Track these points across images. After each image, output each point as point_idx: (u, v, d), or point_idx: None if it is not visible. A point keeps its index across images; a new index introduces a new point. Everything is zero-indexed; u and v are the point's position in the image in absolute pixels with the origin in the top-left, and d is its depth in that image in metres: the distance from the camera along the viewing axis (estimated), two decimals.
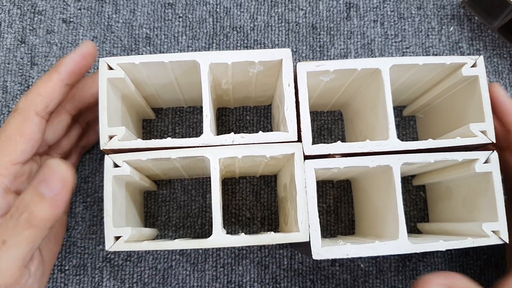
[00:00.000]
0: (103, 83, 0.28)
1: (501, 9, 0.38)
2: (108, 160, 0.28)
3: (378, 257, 0.38)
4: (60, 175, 0.25)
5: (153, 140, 0.28)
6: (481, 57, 0.30)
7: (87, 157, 0.38)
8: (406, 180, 0.39)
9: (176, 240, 0.27)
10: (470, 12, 0.41)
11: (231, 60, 0.29)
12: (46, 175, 0.25)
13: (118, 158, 0.28)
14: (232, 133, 0.28)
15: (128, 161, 0.28)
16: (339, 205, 0.39)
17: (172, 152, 0.28)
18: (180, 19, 0.41)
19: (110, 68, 0.29)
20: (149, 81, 0.32)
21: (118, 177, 0.29)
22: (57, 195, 0.25)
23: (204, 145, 0.28)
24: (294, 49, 0.40)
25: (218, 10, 0.41)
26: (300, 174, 0.28)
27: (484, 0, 0.40)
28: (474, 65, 0.29)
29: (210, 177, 0.28)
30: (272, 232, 0.27)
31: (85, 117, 0.36)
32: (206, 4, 0.41)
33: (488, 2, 0.39)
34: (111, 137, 0.28)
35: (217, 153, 0.28)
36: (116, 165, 0.28)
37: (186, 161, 0.30)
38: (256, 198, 0.39)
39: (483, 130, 0.29)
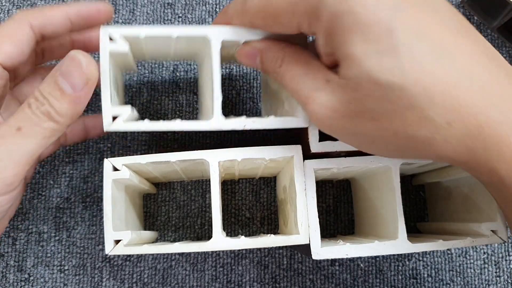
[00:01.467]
0: (104, 55, 0.26)
1: (500, 9, 0.38)
2: (107, 163, 0.28)
3: (377, 256, 0.38)
4: (84, 70, 0.23)
5: (161, 121, 0.26)
6: None
7: (86, 157, 0.38)
8: (406, 180, 0.39)
9: (176, 243, 0.27)
10: (469, 11, 0.41)
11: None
12: (68, 67, 0.23)
13: (117, 161, 0.28)
14: (244, 116, 0.27)
15: (127, 164, 0.28)
16: (339, 205, 0.39)
17: (171, 155, 0.28)
18: (180, 19, 0.41)
19: (116, 169, 0.28)
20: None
21: (118, 181, 0.29)
22: (79, 93, 0.24)
23: (215, 129, 0.27)
24: None
25: (217, 10, 0.41)
26: (300, 177, 0.28)
27: (484, 0, 0.40)
28: None
29: (209, 179, 0.28)
30: (272, 235, 0.27)
31: (43, 46, 0.32)
32: (205, 4, 0.41)
33: (487, 2, 0.39)
34: (114, 118, 0.26)
35: (217, 156, 0.28)
36: (115, 169, 0.28)
37: (186, 164, 0.30)
38: (255, 198, 0.39)
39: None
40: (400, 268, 0.38)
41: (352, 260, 0.38)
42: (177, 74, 0.39)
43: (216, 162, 0.28)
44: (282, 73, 0.26)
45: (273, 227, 0.38)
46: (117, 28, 0.26)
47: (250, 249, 0.38)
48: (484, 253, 0.38)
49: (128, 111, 0.26)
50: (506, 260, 0.38)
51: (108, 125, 0.26)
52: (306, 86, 0.24)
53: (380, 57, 0.21)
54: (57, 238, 0.37)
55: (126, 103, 0.37)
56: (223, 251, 0.38)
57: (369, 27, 0.21)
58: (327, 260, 0.38)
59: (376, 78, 0.21)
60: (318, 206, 0.38)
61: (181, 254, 0.38)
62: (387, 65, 0.21)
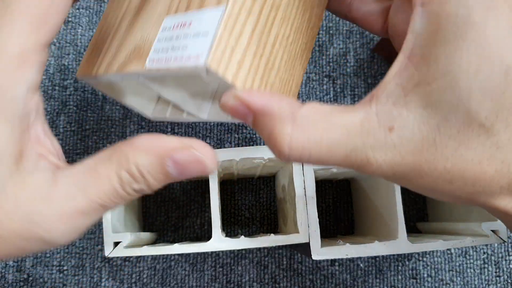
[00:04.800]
0: None
1: None
2: None
3: (377, 256, 0.38)
4: (207, 171, 0.19)
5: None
6: None
7: (85, 157, 0.38)
8: None
9: (176, 244, 0.27)
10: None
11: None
12: (188, 164, 0.19)
13: None
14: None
15: None
16: (339, 205, 0.39)
17: None
18: None
19: None
20: None
21: None
22: (181, 176, 0.19)
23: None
24: None
25: None
26: (299, 176, 0.28)
27: None
28: None
29: (208, 179, 0.28)
30: (272, 234, 0.27)
31: None
32: None
33: None
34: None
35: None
36: None
37: None
38: (255, 198, 0.39)
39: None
40: (400, 268, 0.38)
41: (352, 260, 0.38)
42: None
43: None
44: (297, 150, 0.18)
45: (273, 227, 0.38)
46: None
47: (249, 249, 0.38)
48: (484, 253, 0.38)
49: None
50: (506, 260, 0.38)
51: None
52: (350, 158, 0.17)
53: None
54: None
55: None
56: (222, 251, 0.38)
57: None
58: (327, 260, 0.38)
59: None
60: (318, 206, 0.38)
61: (181, 255, 0.38)
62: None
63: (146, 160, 0.19)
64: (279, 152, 0.18)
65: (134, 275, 0.37)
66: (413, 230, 0.38)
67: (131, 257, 0.37)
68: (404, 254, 0.38)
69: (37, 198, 0.18)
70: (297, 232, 0.27)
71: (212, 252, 0.38)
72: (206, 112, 0.25)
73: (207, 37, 0.18)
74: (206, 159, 0.19)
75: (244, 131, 0.39)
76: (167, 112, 0.26)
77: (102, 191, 0.19)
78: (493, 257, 0.38)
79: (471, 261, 0.38)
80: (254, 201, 0.39)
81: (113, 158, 0.19)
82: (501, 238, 0.28)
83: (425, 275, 0.38)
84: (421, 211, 0.39)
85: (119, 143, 0.19)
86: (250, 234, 0.38)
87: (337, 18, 0.41)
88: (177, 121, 0.28)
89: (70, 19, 0.40)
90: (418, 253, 0.38)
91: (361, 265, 0.38)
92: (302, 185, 0.28)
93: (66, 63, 0.40)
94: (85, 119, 0.39)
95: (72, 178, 0.19)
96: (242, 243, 0.27)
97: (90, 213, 0.19)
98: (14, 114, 0.18)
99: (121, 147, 0.19)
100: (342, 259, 0.38)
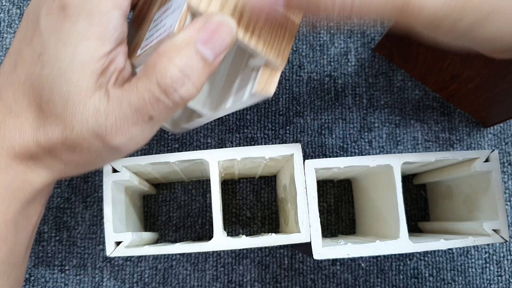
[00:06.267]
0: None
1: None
2: (107, 165, 0.28)
3: (379, 256, 0.38)
4: (234, 35, 0.20)
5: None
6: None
7: None
8: (407, 179, 0.39)
9: (177, 244, 0.27)
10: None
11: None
12: (216, 34, 0.19)
13: (117, 163, 0.28)
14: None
15: (127, 165, 0.28)
16: (340, 205, 0.39)
17: (171, 156, 0.28)
18: None
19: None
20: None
21: (117, 182, 0.29)
22: (217, 60, 0.20)
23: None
24: (294, 48, 0.40)
25: None
26: (300, 175, 0.28)
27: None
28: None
29: (209, 179, 0.28)
30: (273, 234, 0.27)
31: None
32: None
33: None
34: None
35: (216, 155, 0.28)
36: (115, 170, 0.28)
37: (185, 164, 0.30)
38: (256, 197, 0.39)
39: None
40: (401, 267, 0.38)
41: (353, 259, 0.38)
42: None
43: (215, 162, 0.28)
44: None
45: (274, 227, 0.38)
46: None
47: (251, 248, 0.38)
48: (486, 252, 0.38)
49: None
50: (507, 260, 0.38)
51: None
52: None
53: None
54: (57, 238, 0.37)
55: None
56: (224, 251, 0.38)
57: None
58: (328, 259, 0.38)
59: None
60: (319, 205, 0.38)
61: (182, 254, 0.38)
62: None
63: (181, 58, 0.19)
64: None
65: (135, 275, 0.37)
66: (414, 229, 0.38)
67: (132, 256, 0.37)
68: (406, 253, 0.38)
69: (100, 111, 0.20)
70: (299, 231, 0.27)
71: (213, 252, 0.38)
72: (230, 101, 0.25)
73: (180, 6, 0.20)
74: (227, 19, 0.20)
75: (245, 130, 0.39)
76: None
77: (151, 105, 0.20)
78: (494, 257, 0.38)
79: (473, 260, 0.38)
80: (255, 200, 0.39)
81: (149, 72, 0.20)
82: (503, 238, 0.28)
83: (427, 275, 0.38)
84: (422, 211, 0.39)
85: (149, 59, 0.20)
86: (251, 233, 0.38)
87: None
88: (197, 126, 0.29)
89: None
90: (419, 253, 0.38)
91: (363, 264, 0.38)
92: (304, 185, 0.28)
93: None
94: None
95: (121, 96, 0.20)
96: (243, 242, 0.27)
97: (140, 123, 0.20)
98: (106, 33, 0.20)
99: (153, 60, 0.20)
100: (343, 259, 0.38)
